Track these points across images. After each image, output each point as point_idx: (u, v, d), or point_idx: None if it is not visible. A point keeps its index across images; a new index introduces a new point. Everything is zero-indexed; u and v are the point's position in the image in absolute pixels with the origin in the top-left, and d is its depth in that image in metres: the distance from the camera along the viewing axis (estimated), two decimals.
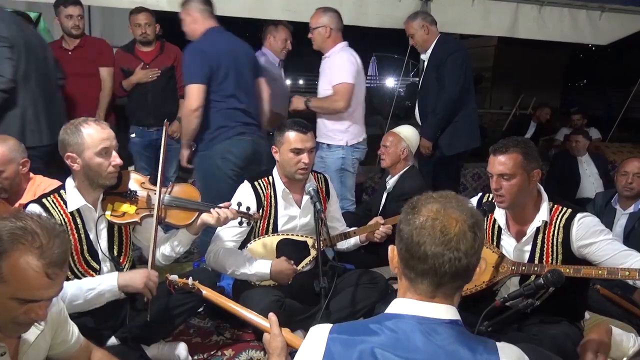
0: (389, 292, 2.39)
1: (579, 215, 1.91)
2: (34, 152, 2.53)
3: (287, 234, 2.43)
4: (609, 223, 3.03)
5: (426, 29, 3.44)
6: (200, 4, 2.87)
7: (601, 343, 1.49)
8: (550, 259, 1.93)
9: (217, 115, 2.82)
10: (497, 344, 1.03)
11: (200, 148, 2.90)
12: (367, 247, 2.63)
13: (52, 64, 3.06)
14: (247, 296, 2.19)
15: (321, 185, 2.56)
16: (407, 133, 3.25)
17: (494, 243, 2.05)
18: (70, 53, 3.56)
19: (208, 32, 2.86)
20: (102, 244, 1.98)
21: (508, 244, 2.03)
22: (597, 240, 1.86)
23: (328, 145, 3.24)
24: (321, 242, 2.15)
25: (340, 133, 3.21)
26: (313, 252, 2.42)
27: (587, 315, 2.16)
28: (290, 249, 2.39)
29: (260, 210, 2.37)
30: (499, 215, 2.05)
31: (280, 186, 2.42)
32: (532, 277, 1.89)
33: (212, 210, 2.08)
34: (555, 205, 1.96)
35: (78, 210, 1.91)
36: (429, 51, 3.47)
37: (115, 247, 2.03)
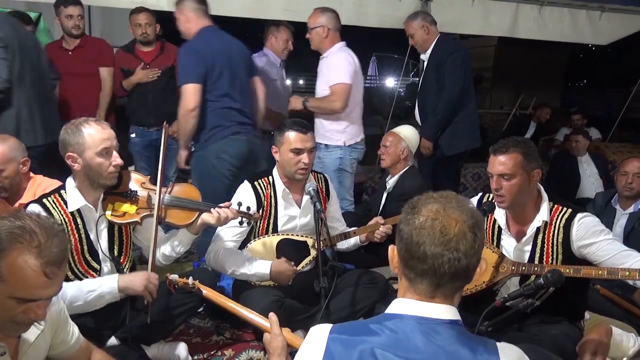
0: (389, 292, 2.39)
1: (579, 216, 1.91)
2: (29, 152, 2.53)
3: (287, 234, 2.43)
4: (609, 223, 3.02)
5: (426, 29, 3.44)
6: (194, 3, 2.87)
7: (600, 343, 1.49)
8: (550, 259, 1.93)
9: (212, 115, 2.82)
10: (498, 344, 1.03)
11: (195, 148, 2.90)
12: (367, 247, 2.63)
13: (46, 65, 3.06)
14: (247, 296, 2.19)
15: (321, 185, 2.56)
16: (407, 133, 3.25)
17: (494, 243, 2.05)
18: (70, 53, 3.57)
19: (202, 32, 2.85)
20: (103, 244, 1.98)
21: (508, 244, 2.03)
22: (597, 240, 1.86)
23: (326, 145, 3.24)
24: (321, 242, 2.15)
25: (338, 133, 3.21)
26: (313, 252, 2.42)
27: (587, 315, 2.16)
28: (290, 249, 2.39)
29: (260, 210, 2.37)
30: (499, 215, 2.05)
31: (280, 186, 2.42)
32: (532, 277, 1.89)
33: (212, 210, 2.08)
34: (556, 206, 1.96)
35: (78, 210, 1.91)
36: (429, 51, 3.47)
37: (116, 247, 2.03)
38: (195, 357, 2.22)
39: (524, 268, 1.92)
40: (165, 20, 3.69)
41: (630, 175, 3.03)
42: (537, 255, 1.96)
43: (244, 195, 2.37)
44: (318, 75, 3.28)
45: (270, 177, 2.44)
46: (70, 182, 1.93)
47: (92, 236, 1.95)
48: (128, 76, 3.61)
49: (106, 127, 1.90)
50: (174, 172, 3.70)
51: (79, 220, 1.91)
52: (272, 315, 1.44)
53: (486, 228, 2.07)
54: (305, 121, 2.43)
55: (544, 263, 1.93)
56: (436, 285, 1.01)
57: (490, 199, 2.09)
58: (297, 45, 3.89)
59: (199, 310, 2.44)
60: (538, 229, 1.95)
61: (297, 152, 2.33)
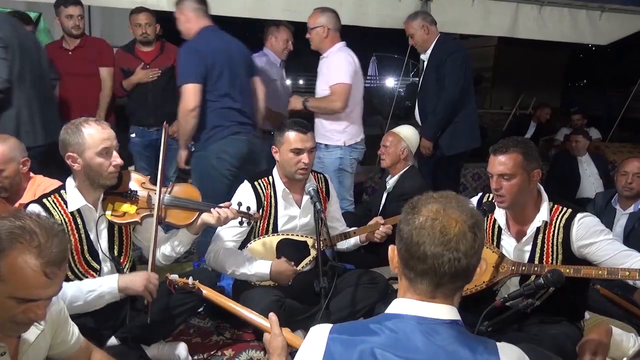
0: (389, 292, 2.39)
1: (579, 215, 1.91)
2: (28, 152, 2.53)
3: (287, 234, 2.43)
4: (609, 223, 3.02)
5: (426, 29, 3.44)
6: (194, 2, 2.86)
7: (600, 343, 1.49)
8: (550, 259, 1.93)
9: (211, 115, 2.82)
10: (498, 344, 1.03)
11: (195, 148, 2.90)
12: (367, 247, 2.63)
13: (46, 65, 3.06)
14: (247, 296, 2.19)
15: (321, 185, 2.56)
16: (407, 133, 3.25)
17: (494, 243, 2.05)
18: (70, 53, 3.57)
19: (202, 31, 2.85)
20: (103, 244, 1.98)
21: (508, 244, 2.03)
22: (597, 240, 1.86)
23: (326, 145, 3.24)
24: (321, 242, 2.15)
25: (338, 133, 3.21)
26: (313, 252, 2.42)
27: (587, 315, 2.16)
28: (290, 249, 2.39)
29: (260, 210, 2.37)
30: (499, 215, 2.05)
31: (280, 186, 2.42)
32: (532, 277, 1.89)
33: (212, 210, 2.08)
34: (556, 205, 1.96)
35: (78, 210, 1.91)
36: (429, 51, 3.47)
37: (116, 247, 2.03)
38: (195, 357, 2.22)
39: (524, 268, 1.92)
40: (165, 20, 3.69)
41: (630, 175, 3.03)
42: (537, 255, 1.96)
43: (244, 195, 2.37)
44: (318, 75, 3.28)
45: (270, 177, 2.44)
46: (70, 182, 1.93)
47: (92, 236, 1.95)
48: (128, 76, 3.61)
49: (106, 127, 1.90)
50: (174, 172, 3.70)
51: (79, 220, 1.91)
52: (272, 315, 1.44)
53: (486, 228, 2.07)
54: (305, 121, 2.43)
55: (544, 263, 1.93)
56: (436, 285, 1.01)
57: (490, 199, 2.09)
58: (297, 45, 3.89)
59: (199, 310, 2.44)
60: (538, 229, 1.95)
61: (297, 152, 2.33)
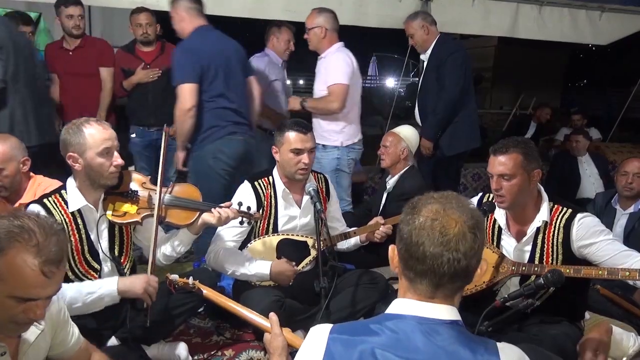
0: (389, 292, 2.39)
1: (579, 216, 1.91)
2: None
3: (287, 234, 2.43)
4: (609, 223, 3.02)
5: (426, 29, 3.44)
6: (187, 2, 2.85)
7: (600, 342, 1.49)
8: (550, 259, 1.93)
9: (207, 115, 2.82)
10: (498, 344, 1.03)
11: (192, 149, 2.90)
12: (367, 247, 2.63)
13: (40, 65, 3.06)
14: (247, 296, 2.19)
15: (321, 185, 2.56)
16: (407, 133, 3.25)
17: (494, 243, 2.05)
18: (71, 53, 3.56)
19: (197, 31, 2.84)
20: (103, 244, 1.98)
21: (508, 244, 2.03)
22: (597, 241, 1.86)
23: (323, 145, 3.24)
24: (321, 242, 2.15)
25: (336, 134, 3.21)
26: (313, 252, 2.43)
27: (587, 315, 2.16)
28: (290, 249, 2.39)
29: (261, 210, 2.37)
30: (499, 215, 2.05)
31: (280, 186, 2.42)
32: (532, 277, 1.89)
33: (213, 210, 2.08)
34: (556, 206, 1.96)
35: (79, 210, 1.91)
36: (429, 51, 3.47)
37: (116, 247, 2.03)
38: (196, 357, 2.22)
39: (524, 268, 1.93)
40: (166, 20, 3.68)
41: (630, 175, 3.03)
42: (537, 255, 1.96)
43: (244, 195, 2.37)
44: (316, 75, 3.28)
45: (270, 177, 2.44)
46: (71, 182, 1.93)
47: (93, 236, 1.96)
48: (128, 76, 3.61)
49: (107, 128, 1.90)
50: (174, 172, 3.70)
51: (79, 221, 1.92)
52: (272, 315, 1.44)
53: (486, 228, 2.07)
54: (305, 121, 2.43)
55: (544, 263, 1.93)
56: (436, 286, 1.01)
57: (490, 199, 2.09)
58: (297, 46, 3.90)
59: (199, 310, 2.44)
60: (538, 229, 1.95)
61: (297, 152, 2.33)
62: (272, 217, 2.42)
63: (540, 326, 1.90)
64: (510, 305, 1.62)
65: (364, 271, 2.49)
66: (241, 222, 2.20)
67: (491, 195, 2.07)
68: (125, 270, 2.05)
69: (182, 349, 2.14)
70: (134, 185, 2.05)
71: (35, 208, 1.83)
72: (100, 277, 1.98)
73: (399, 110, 8.18)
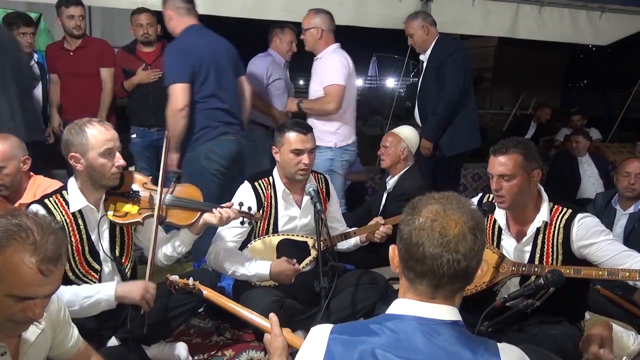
0: (389, 293, 2.40)
1: (579, 216, 1.91)
2: None
3: (288, 235, 2.43)
4: (609, 223, 3.02)
5: (426, 30, 3.44)
6: (177, 1, 2.84)
7: (604, 337, 1.49)
8: (550, 260, 1.93)
9: (199, 116, 2.81)
10: (498, 344, 1.03)
11: (185, 150, 2.89)
12: (367, 248, 2.63)
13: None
14: (247, 296, 2.20)
15: (321, 185, 2.56)
16: (407, 133, 3.25)
17: (494, 243, 2.05)
18: (71, 54, 3.57)
19: (187, 31, 2.83)
20: (104, 245, 1.98)
21: (508, 244, 2.03)
22: (597, 241, 1.86)
23: (317, 146, 3.23)
24: (321, 243, 2.15)
25: (330, 134, 3.20)
26: (313, 253, 2.43)
27: (587, 315, 2.16)
28: (290, 249, 2.39)
29: (261, 211, 2.37)
30: (499, 215, 2.05)
31: (280, 187, 2.43)
32: (532, 278, 1.89)
33: (214, 210, 2.08)
34: (556, 206, 1.96)
35: (80, 211, 1.91)
36: (428, 52, 3.47)
37: (117, 248, 2.03)
38: (196, 358, 2.22)
39: (524, 268, 1.93)
40: None
41: (632, 176, 3.02)
42: (537, 255, 1.96)
43: (244, 195, 2.37)
44: (312, 76, 3.27)
45: (270, 178, 2.45)
46: (72, 182, 1.93)
47: (94, 237, 1.96)
48: (129, 77, 3.61)
49: (109, 128, 1.91)
50: (175, 173, 3.71)
51: (80, 221, 1.92)
52: (272, 315, 1.44)
53: (486, 228, 2.07)
54: (305, 122, 2.43)
55: (544, 263, 1.93)
56: (435, 286, 1.01)
57: (490, 200, 2.09)
58: (298, 46, 3.90)
59: (199, 311, 2.45)
60: (538, 229, 1.95)
61: (297, 152, 2.33)
62: (272, 217, 2.42)
63: (540, 326, 1.90)
64: (510, 305, 1.62)
65: (364, 271, 2.49)
66: (242, 223, 2.21)
67: (491, 196, 2.07)
68: (126, 270, 2.05)
69: (182, 349, 2.14)
70: (135, 186, 2.05)
71: (36, 208, 1.83)
72: (100, 277, 1.98)
73: (399, 111, 8.18)
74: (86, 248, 1.93)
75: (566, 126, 5.91)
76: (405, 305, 1.04)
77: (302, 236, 2.45)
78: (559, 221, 1.93)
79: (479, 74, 12.60)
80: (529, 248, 1.98)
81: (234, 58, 3.00)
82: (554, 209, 1.96)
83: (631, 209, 3.06)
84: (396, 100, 6.69)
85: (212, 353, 2.28)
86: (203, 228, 2.12)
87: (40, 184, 2.31)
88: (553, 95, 12.93)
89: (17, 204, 2.21)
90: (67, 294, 1.78)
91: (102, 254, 1.98)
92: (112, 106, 3.72)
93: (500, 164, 1.92)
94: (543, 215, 1.94)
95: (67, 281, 1.87)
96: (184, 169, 2.92)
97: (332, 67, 3.10)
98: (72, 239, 1.89)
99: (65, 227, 1.85)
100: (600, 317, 2.28)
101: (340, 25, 3.70)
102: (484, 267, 1.95)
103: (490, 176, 1.97)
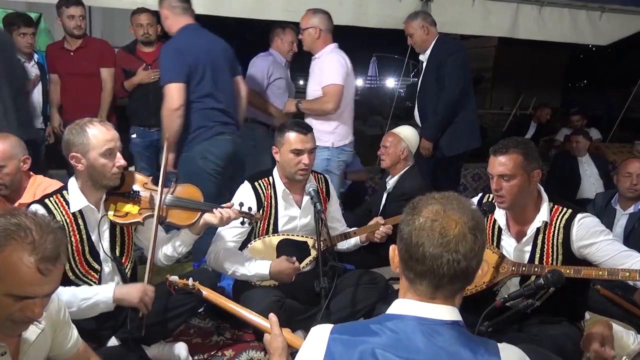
0: (389, 293, 2.40)
1: (579, 216, 1.91)
2: None
3: (288, 235, 2.43)
4: (609, 223, 3.02)
5: (426, 30, 3.44)
6: (173, 0, 2.83)
7: (605, 335, 1.49)
8: (550, 260, 1.93)
9: (195, 115, 2.80)
10: (499, 345, 1.03)
11: (181, 150, 2.88)
12: (367, 248, 2.63)
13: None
14: (247, 296, 2.20)
15: (321, 185, 2.56)
16: (407, 133, 3.25)
17: (494, 243, 2.06)
18: (72, 54, 3.57)
19: (183, 30, 2.82)
20: (105, 245, 1.98)
21: (508, 244, 2.03)
22: (597, 241, 1.86)
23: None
24: (321, 243, 2.15)
25: (327, 134, 3.19)
26: (313, 253, 2.43)
27: (587, 315, 2.17)
28: (290, 249, 2.39)
29: (261, 211, 2.37)
30: (499, 215, 2.05)
31: (280, 187, 2.43)
32: (533, 278, 1.89)
33: (214, 210, 2.08)
34: (556, 206, 1.96)
35: (80, 211, 1.91)
36: (428, 52, 3.47)
37: (118, 248, 2.03)
38: (196, 357, 2.22)
39: (524, 268, 1.93)
40: None
41: (634, 176, 3.00)
42: (537, 255, 1.96)
43: (244, 195, 2.37)
44: (310, 75, 3.27)
45: (270, 178, 2.45)
46: (73, 182, 1.93)
47: (94, 237, 1.96)
48: (129, 77, 3.62)
49: (110, 128, 1.91)
50: (174, 173, 3.70)
51: (80, 221, 1.92)
52: (272, 315, 1.44)
53: (486, 228, 2.07)
54: (305, 122, 2.43)
55: (544, 263, 1.93)
56: (435, 287, 1.01)
57: (490, 200, 2.09)
58: (298, 46, 3.91)
59: (199, 311, 2.45)
60: (538, 229, 1.95)
61: (297, 152, 2.33)
62: (272, 217, 2.42)
63: (540, 326, 1.90)
64: (510, 305, 1.62)
65: (364, 271, 2.49)
66: (242, 223, 2.21)
67: (491, 196, 2.07)
68: (127, 270, 2.05)
69: (182, 349, 2.15)
70: (135, 186, 2.05)
71: (35, 208, 1.83)
72: (100, 277, 1.99)
73: (399, 111, 8.17)
74: (86, 248, 1.93)
75: (566, 126, 5.91)
76: (405, 306, 1.04)
77: (302, 236, 2.45)
78: (559, 221, 1.93)
79: (479, 74, 12.61)
80: (529, 248, 1.98)
81: (230, 58, 2.99)
82: (554, 209, 1.96)
83: (631, 209, 3.05)
84: (396, 100, 6.69)
85: (212, 353, 2.28)
86: (203, 228, 2.13)
87: (40, 184, 2.31)
88: (553, 95, 12.93)
89: (17, 204, 2.21)
90: (66, 295, 1.77)
91: (102, 254, 1.98)
92: (112, 106, 3.72)
93: (500, 164, 1.92)
94: (543, 215, 1.94)
95: (67, 281, 1.87)
96: (180, 169, 2.92)
97: (330, 67, 3.09)
98: (72, 239, 1.89)
99: (66, 227, 1.85)
100: (600, 317, 2.28)
101: (340, 25, 3.71)
102: (484, 267, 1.95)
103: (490, 176, 1.97)
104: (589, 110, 6.62)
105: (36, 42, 3.78)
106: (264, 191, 2.41)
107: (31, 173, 2.34)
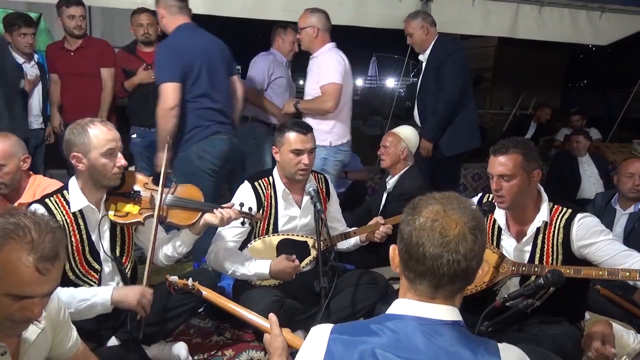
0: (389, 293, 2.40)
1: (579, 216, 1.91)
2: None
3: (288, 234, 2.43)
4: (609, 223, 3.02)
5: (425, 30, 3.44)
6: None
7: (605, 334, 1.49)
8: (550, 260, 1.93)
9: (190, 115, 2.80)
10: (499, 345, 1.03)
11: (177, 150, 2.87)
12: (367, 247, 2.63)
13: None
14: (247, 296, 2.20)
15: (321, 185, 2.56)
16: (407, 133, 3.25)
17: (494, 243, 2.06)
18: (72, 54, 3.57)
19: (179, 29, 2.81)
20: (105, 245, 1.98)
21: (508, 244, 2.03)
22: (597, 241, 1.86)
23: None
24: (321, 243, 2.15)
25: (325, 133, 3.18)
26: (313, 252, 2.43)
27: (587, 315, 2.17)
28: (290, 249, 2.39)
29: (261, 211, 2.37)
30: (499, 215, 2.05)
31: (280, 186, 2.43)
32: (533, 277, 1.89)
33: (215, 210, 2.08)
34: (556, 206, 1.96)
35: (80, 211, 1.91)
36: (427, 52, 3.47)
37: (118, 248, 2.03)
38: (196, 357, 2.22)
39: (524, 268, 1.93)
40: None
41: (636, 177, 2.99)
42: (537, 255, 1.96)
43: (244, 195, 2.37)
44: (308, 75, 3.26)
45: (270, 178, 2.45)
46: (73, 182, 1.93)
47: (94, 237, 1.96)
48: (129, 77, 3.62)
49: (111, 128, 1.91)
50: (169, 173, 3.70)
51: (80, 221, 1.92)
52: (272, 315, 1.44)
53: (486, 228, 2.07)
54: (305, 122, 2.43)
55: (544, 263, 1.93)
56: (435, 287, 1.01)
57: (490, 200, 2.09)
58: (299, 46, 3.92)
59: (199, 311, 2.45)
60: (538, 229, 1.95)
61: (297, 152, 2.33)
62: (272, 217, 2.42)
63: (540, 326, 1.90)
64: (510, 305, 1.62)
65: (364, 271, 2.49)
66: (242, 223, 2.21)
67: (491, 196, 2.07)
68: (127, 270, 2.05)
69: (182, 349, 2.15)
70: (136, 186, 2.05)
71: (35, 208, 1.83)
72: (100, 277, 1.99)
73: (399, 111, 8.17)
74: (86, 248, 1.93)
75: (566, 126, 5.91)
76: (405, 306, 1.04)
77: (302, 236, 2.45)
78: (558, 221, 1.93)
79: (479, 74, 12.60)
80: (528, 248, 1.98)
81: (226, 57, 2.98)
82: (553, 209, 1.96)
83: (631, 209, 3.05)
84: (396, 100, 6.69)
85: (212, 353, 2.28)
86: (204, 228, 2.13)
87: (40, 184, 2.32)
88: (553, 95, 12.92)
89: (16, 203, 2.21)
90: (64, 295, 1.77)
91: (102, 254, 1.98)
92: (112, 106, 3.72)
93: (500, 164, 1.92)
94: (543, 215, 1.94)
95: (67, 281, 1.87)
96: (177, 169, 2.92)
97: (329, 66, 3.09)
98: (73, 239, 1.89)
99: (66, 227, 1.85)
100: (600, 317, 2.28)
101: (340, 25, 3.71)
102: (484, 267, 1.95)
103: (490, 176, 1.97)
104: (589, 110, 6.62)
105: (36, 42, 3.78)
106: (264, 191, 2.41)
107: (31, 173, 2.34)
